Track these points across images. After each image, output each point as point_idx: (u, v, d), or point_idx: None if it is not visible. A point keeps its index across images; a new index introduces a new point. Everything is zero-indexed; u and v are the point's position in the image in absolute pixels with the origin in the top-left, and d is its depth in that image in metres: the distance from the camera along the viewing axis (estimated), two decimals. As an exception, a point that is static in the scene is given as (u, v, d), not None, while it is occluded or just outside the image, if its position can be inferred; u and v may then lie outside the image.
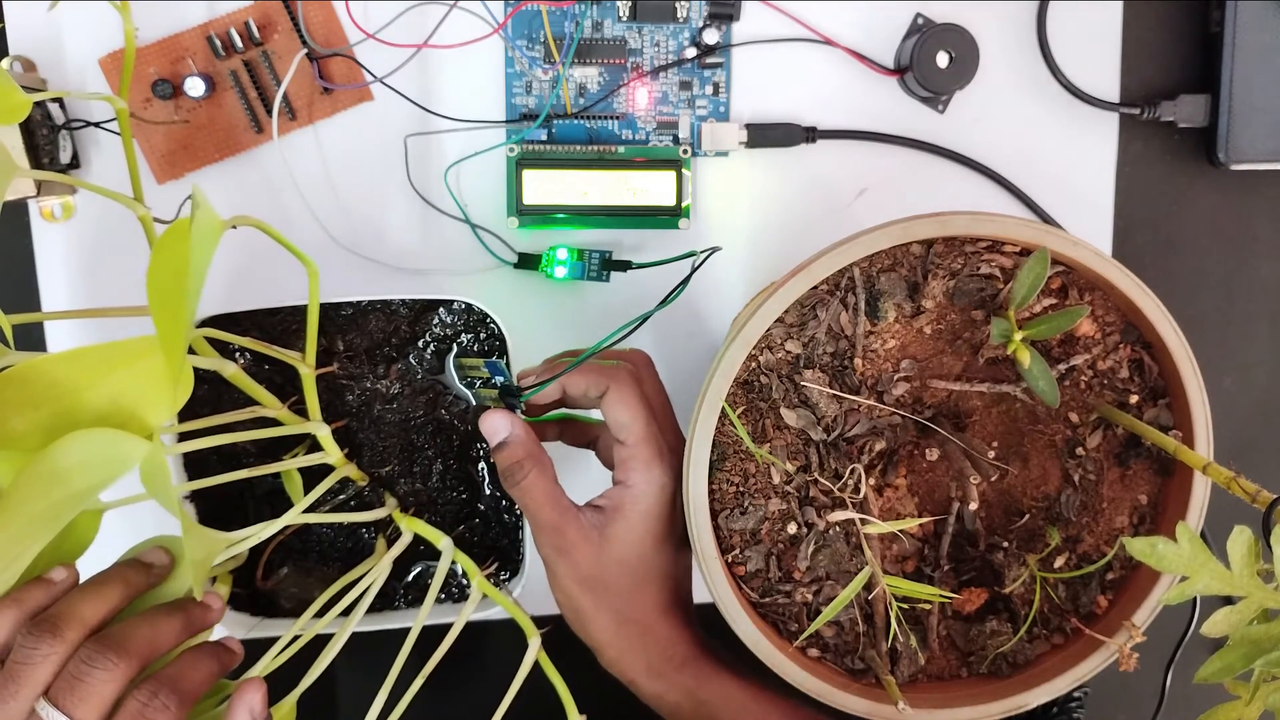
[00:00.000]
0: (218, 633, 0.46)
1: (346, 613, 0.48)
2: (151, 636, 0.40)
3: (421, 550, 0.55)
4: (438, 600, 0.55)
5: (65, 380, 0.35)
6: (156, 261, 0.34)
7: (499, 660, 0.63)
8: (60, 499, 0.34)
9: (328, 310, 0.52)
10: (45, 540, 0.35)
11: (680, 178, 0.57)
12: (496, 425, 0.47)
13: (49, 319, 0.58)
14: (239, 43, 0.56)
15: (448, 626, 0.47)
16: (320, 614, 0.48)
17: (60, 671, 0.37)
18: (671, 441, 0.48)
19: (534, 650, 0.46)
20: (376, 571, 0.48)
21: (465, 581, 0.56)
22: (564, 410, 0.52)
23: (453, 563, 0.49)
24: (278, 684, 0.45)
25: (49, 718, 0.36)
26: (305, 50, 0.56)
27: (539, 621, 0.47)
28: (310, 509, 0.47)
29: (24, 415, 0.35)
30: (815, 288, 0.45)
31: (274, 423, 0.45)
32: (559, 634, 0.48)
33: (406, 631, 0.47)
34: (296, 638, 0.45)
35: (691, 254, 0.51)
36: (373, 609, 0.54)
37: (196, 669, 0.41)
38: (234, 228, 0.37)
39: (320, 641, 0.46)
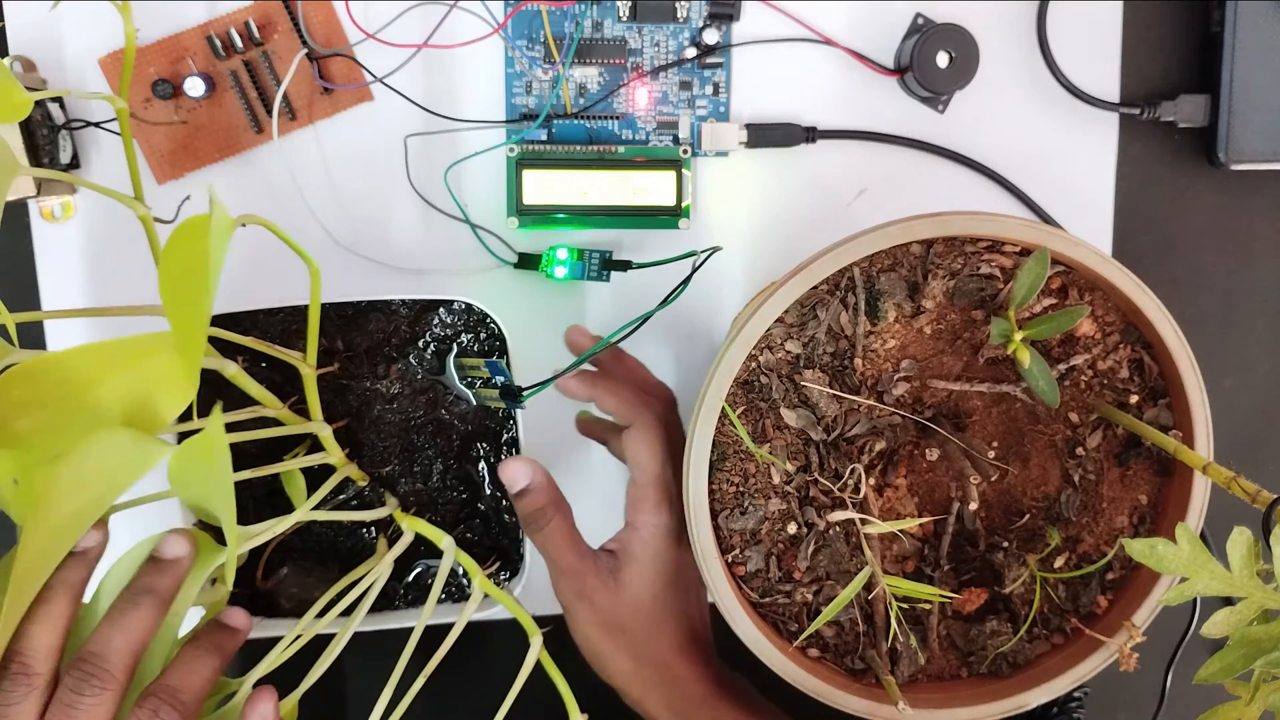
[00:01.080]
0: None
1: (348, 612, 0.48)
2: (125, 646, 0.38)
3: (422, 550, 0.55)
4: (438, 600, 0.55)
5: (72, 378, 0.35)
6: (169, 260, 0.34)
7: (500, 660, 0.63)
8: (86, 501, 0.34)
9: (328, 310, 0.52)
10: (72, 541, 0.35)
11: (680, 178, 0.57)
12: (517, 472, 0.47)
13: (50, 318, 0.58)
14: (239, 43, 0.56)
15: (447, 626, 0.47)
16: (321, 614, 0.48)
17: (50, 701, 0.37)
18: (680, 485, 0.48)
19: (536, 649, 0.47)
20: (378, 571, 0.48)
21: (465, 581, 0.56)
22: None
23: (453, 562, 0.49)
24: (278, 683, 0.45)
25: None
26: (305, 50, 0.56)
27: (540, 621, 0.48)
28: (312, 509, 0.47)
29: (31, 414, 0.34)
30: (815, 288, 0.45)
31: (275, 423, 0.45)
32: (560, 633, 0.48)
33: (406, 631, 0.47)
34: (299, 637, 0.45)
35: (691, 254, 0.51)
36: (373, 609, 0.54)
37: (196, 672, 0.40)
38: (243, 226, 0.37)
39: (321, 641, 0.46)
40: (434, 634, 0.47)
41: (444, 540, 0.49)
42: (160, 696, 0.38)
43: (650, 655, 0.47)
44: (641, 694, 0.47)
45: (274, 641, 0.45)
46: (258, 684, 0.43)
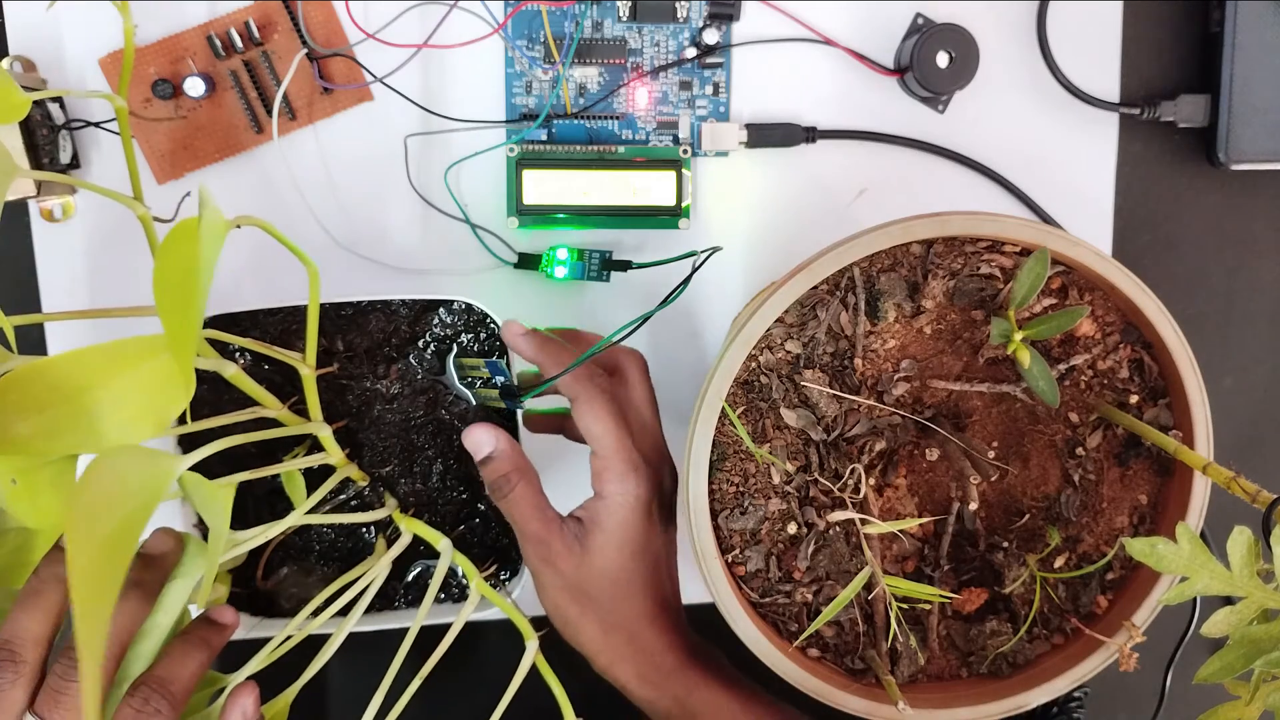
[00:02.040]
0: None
1: (346, 612, 0.48)
2: (112, 635, 0.39)
3: (422, 550, 0.55)
4: (438, 600, 0.55)
5: (69, 382, 0.35)
6: (163, 262, 0.33)
7: (497, 660, 0.63)
8: (120, 520, 0.34)
9: (328, 310, 0.52)
10: (126, 562, 0.34)
11: (680, 178, 0.57)
12: (480, 440, 0.47)
13: (50, 320, 0.58)
14: (239, 43, 0.56)
15: (446, 626, 0.47)
16: (318, 613, 0.48)
17: (41, 686, 0.38)
18: (647, 451, 0.48)
19: (531, 652, 0.46)
20: (375, 571, 0.48)
21: (465, 581, 0.56)
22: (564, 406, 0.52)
23: (453, 562, 0.49)
24: (275, 682, 0.45)
25: None
26: (305, 50, 0.56)
27: (537, 624, 0.47)
28: (311, 509, 0.47)
29: (29, 419, 0.34)
30: (815, 288, 0.45)
31: (275, 423, 0.45)
32: (556, 635, 0.48)
33: (405, 632, 0.47)
34: (289, 637, 0.45)
35: (691, 254, 0.51)
36: (373, 609, 0.54)
37: (185, 665, 0.41)
38: (238, 227, 0.37)
39: (320, 641, 0.47)
40: (432, 633, 0.47)
41: (441, 542, 0.49)
42: (151, 686, 0.39)
43: (618, 623, 0.47)
44: (609, 662, 0.47)
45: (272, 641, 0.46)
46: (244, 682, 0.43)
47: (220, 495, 0.38)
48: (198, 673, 0.41)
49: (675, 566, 0.50)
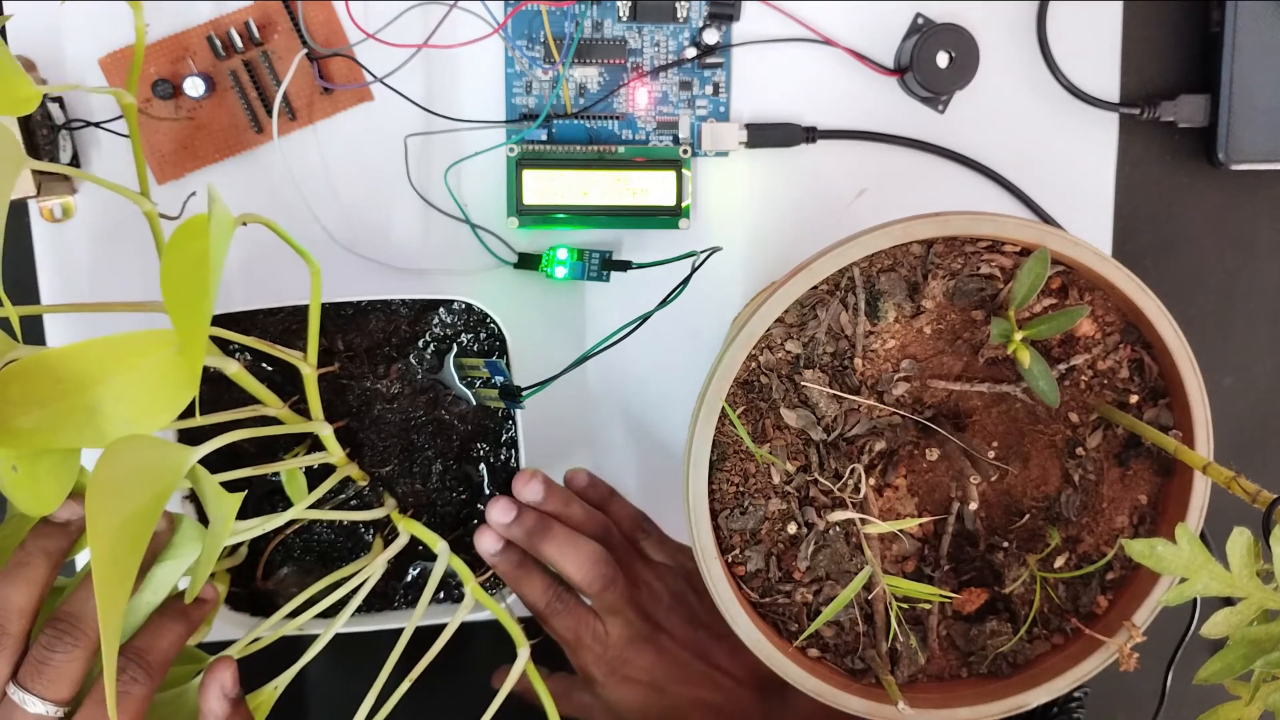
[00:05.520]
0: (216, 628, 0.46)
1: (339, 609, 0.48)
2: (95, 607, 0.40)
3: (420, 550, 0.55)
4: (437, 599, 0.55)
5: (73, 375, 0.34)
6: (171, 258, 0.33)
7: (491, 660, 0.62)
8: (139, 505, 0.34)
9: (328, 310, 0.52)
10: (144, 546, 0.34)
11: (680, 178, 0.57)
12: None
13: (49, 311, 0.58)
14: (239, 43, 0.56)
15: (439, 626, 0.47)
16: (304, 609, 0.47)
17: (25, 657, 0.38)
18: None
19: (522, 661, 0.46)
20: (368, 571, 0.48)
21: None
22: None
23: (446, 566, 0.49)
24: (269, 678, 0.45)
25: (21, 700, 0.38)
26: (305, 50, 0.56)
27: (530, 630, 0.47)
28: (311, 507, 0.47)
29: (32, 413, 0.34)
30: (815, 288, 0.45)
31: (275, 422, 0.45)
32: (550, 642, 0.48)
33: (399, 632, 0.47)
34: (277, 627, 0.46)
35: (691, 254, 0.51)
36: (371, 608, 0.54)
37: (163, 636, 0.41)
38: (244, 225, 0.37)
39: (312, 638, 0.47)
40: (425, 634, 0.47)
41: (438, 545, 0.49)
42: (128, 656, 0.40)
43: None
44: None
45: (278, 642, 0.45)
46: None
47: (228, 501, 0.38)
48: (176, 644, 0.42)
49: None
